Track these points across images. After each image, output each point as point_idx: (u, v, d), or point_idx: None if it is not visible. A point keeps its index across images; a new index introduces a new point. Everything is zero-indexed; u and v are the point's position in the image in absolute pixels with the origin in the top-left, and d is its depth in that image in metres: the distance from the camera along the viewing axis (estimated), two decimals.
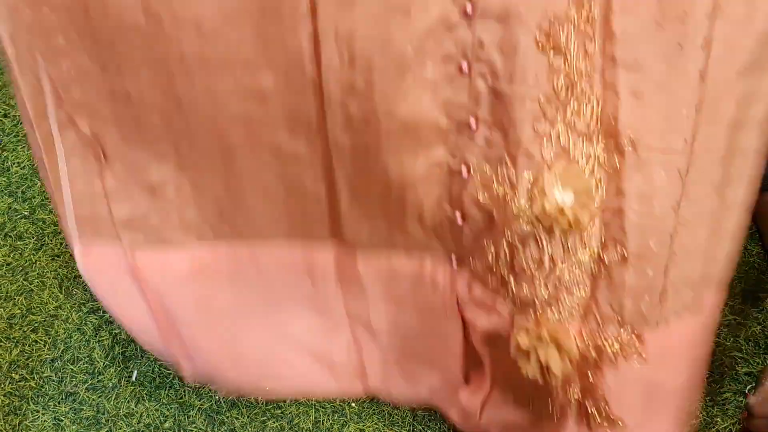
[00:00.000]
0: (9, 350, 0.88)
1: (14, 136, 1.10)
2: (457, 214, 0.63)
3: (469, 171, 0.60)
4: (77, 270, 0.94)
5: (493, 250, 0.62)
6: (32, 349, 0.88)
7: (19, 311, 0.91)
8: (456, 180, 0.61)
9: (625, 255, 0.57)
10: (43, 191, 1.03)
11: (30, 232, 0.99)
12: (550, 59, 0.54)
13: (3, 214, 1.01)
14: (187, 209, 0.70)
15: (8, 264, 0.96)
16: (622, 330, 0.60)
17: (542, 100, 0.55)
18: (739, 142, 0.57)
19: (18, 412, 0.83)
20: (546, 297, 0.59)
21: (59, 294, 0.93)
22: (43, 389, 0.83)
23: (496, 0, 0.53)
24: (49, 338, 0.88)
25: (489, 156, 0.58)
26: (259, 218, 0.71)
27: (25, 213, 1.01)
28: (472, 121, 0.57)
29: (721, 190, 0.59)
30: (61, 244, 0.97)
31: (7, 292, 0.93)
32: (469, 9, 0.54)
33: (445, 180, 0.61)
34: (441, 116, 0.58)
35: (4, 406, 0.83)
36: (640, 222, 0.56)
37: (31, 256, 0.97)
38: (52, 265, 0.95)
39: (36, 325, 0.90)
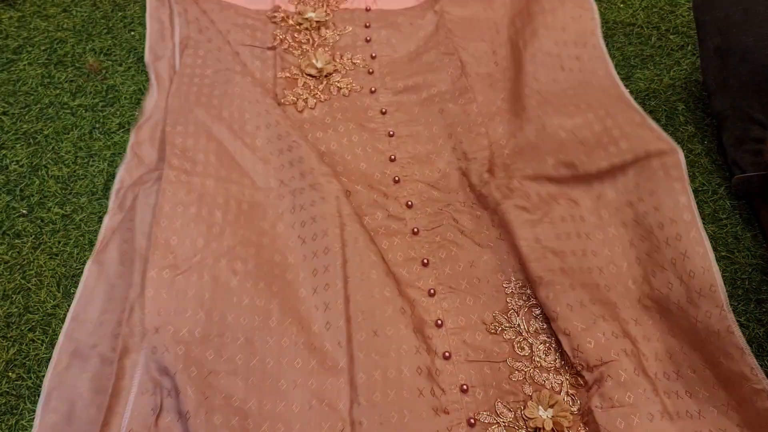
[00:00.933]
0: (6, 349, 0.87)
1: (12, 134, 1.10)
2: None
3: None
4: (75, 269, 0.94)
5: None
6: (29, 348, 0.87)
7: (16, 310, 0.91)
8: None
9: None
10: (42, 189, 1.03)
11: (28, 231, 0.99)
12: (501, 341, 0.86)
13: (1, 212, 1.00)
14: None
15: (6, 262, 0.95)
16: None
17: (511, 364, 0.84)
18: None
19: (15, 411, 0.82)
20: None
21: (57, 293, 0.92)
22: (40, 389, 0.82)
23: (446, 345, 0.86)
24: (46, 337, 0.88)
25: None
26: None
27: (24, 211, 1.01)
28: (464, 387, 0.82)
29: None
30: (59, 242, 0.97)
31: (4, 291, 0.92)
32: (442, 358, 0.85)
33: None
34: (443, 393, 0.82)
35: (0, 406, 0.83)
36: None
37: (29, 255, 0.96)
38: (50, 264, 0.95)
39: (33, 324, 0.89)
